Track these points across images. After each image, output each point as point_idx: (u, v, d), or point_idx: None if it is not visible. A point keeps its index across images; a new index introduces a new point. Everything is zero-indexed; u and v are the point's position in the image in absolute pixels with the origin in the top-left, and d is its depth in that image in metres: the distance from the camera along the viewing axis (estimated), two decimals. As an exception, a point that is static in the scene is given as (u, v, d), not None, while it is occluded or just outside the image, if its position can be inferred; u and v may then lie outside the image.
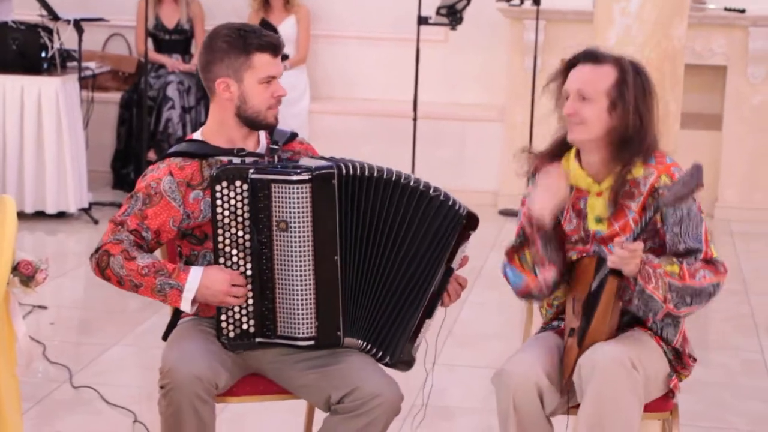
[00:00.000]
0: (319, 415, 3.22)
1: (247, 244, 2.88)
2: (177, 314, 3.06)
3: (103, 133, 7.51)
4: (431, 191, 2.93)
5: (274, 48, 2.98)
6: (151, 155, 7.13)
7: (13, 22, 6.71)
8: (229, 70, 2.96)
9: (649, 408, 3.01)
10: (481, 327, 5.07)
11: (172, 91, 7.35)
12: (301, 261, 2.87)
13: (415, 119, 7.20)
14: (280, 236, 2.87)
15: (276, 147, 3.03)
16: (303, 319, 2.90)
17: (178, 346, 2.94)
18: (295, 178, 2.84)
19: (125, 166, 7.52)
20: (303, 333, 2.90)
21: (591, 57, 3.00)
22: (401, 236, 2.93)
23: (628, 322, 3.02)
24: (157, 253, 3.09)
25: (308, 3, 7.73)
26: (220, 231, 2.87)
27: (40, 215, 6.62)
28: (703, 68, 7.27)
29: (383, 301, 2.95)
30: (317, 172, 2.86)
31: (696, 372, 3.15)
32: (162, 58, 7.53)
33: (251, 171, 2.86)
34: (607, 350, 2.87)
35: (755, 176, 7.26)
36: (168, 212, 2.95)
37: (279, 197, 2.85)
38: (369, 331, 2.96)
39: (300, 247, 2.87)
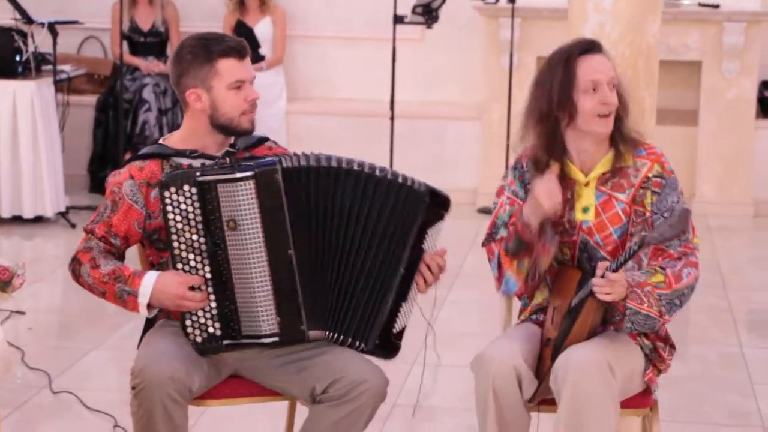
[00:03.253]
0: (300, 417, 3.22)
1: (203, 247, 2.89)
2: (149, 322, 3.06)
3: (80, 137, 7.48)
4: (387, 175, 2.93)
5: (238, 52, 2.98)
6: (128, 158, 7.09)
7: (-13, 26, 6.68)
8: (196, 80, 2.97)
9: (629, 404, 3.02)
10: (461, 326, 5.08)
11: (148, 94, 7.33)
12: (255, 258, 2.88)
13: (392, 118, 7.20)
14: (232, 236, 2.88)
15: (232, 150, 3.02)
16: (264, 316, 2.90)
17: (151, 347, 2.93)
18: (238, 175, 2.86)
19: (102, 170, 7.48)
20: (266, 330, 2.91)
21: (597, 47, 3.01)
22: (357, 223, 2.92)
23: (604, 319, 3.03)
24: (133, 255, 3.09)
25: (284, 3, 7.72)
26: (174, 237, 2.88)
27: (17, 220, 6.58)
28: (678, 64, 7.30)
29: (347, 289, 2.94)
30: (259, 167, 2.87)
31: (674, 366, 3.16)
32: (137, 61, 7.50)
33: (197, 174, 2.86)
34: (582, 352, 2.88)
35: (731, 171, 7.30)
36: (132, 216, 2.97)
37: (226, 197, 2.86)
38: (335, 322, 2.95)
39: (252, 244, 2.88)
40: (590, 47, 3.00)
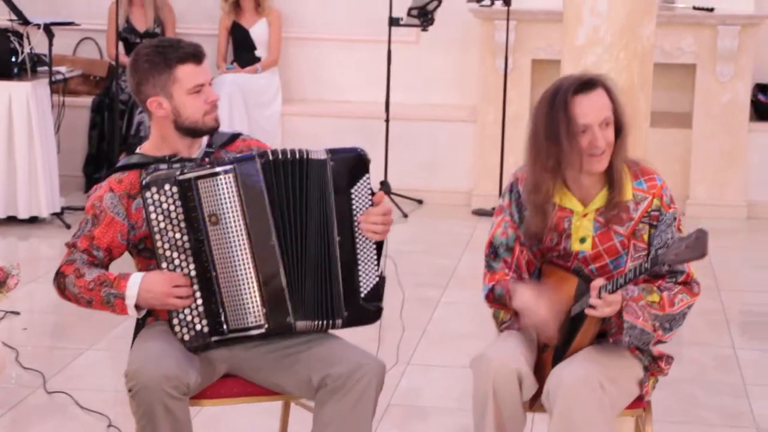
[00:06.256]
0: (294, 416, 3.23)
1: (186, 245, 2.92)
2: (140, 325, 3.07)
3: (75, 138, 7.48)
4: (317, 155, 2.94)
5: (195, 57, 3.02)
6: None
7: (-17, 26, 6.68)
8: (156, 89, 3.02)
9: (622, 406, 3.03)
10: (455, 326, 5.09)
11: (143, 95, 7.33)
12: (238, 251, 2.92)
13: (387, 120, 7.22)
14: (214, 231, 2.91)
15: (210, 150, 3.07)
16: (250, 308, 2.94)
17: (142, 348, 2.95)
18: (218, 169, 2.91)
19: (97, 171, 7.49)
20: (252, 322, 2.94)
21: (588, 85, 2.92)
22: (309, 208, 2.95)
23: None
24: (127, 264, 3.10)
25: (279, 5, 7.73)
26: (157, 237, 2.91)
27: (11, 220, 6.59)
28: (672, 67, 7.32)
29: (316, 273, 2.96)
30: (238, 161, 2.92)
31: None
32: (133, 62, 7.49)
33: (178, 173, 2.91)
34: (573, 370, 2.88)
35: (725, 173, 7.32)
36: (114, 228, 3.00)
37: (206, 192, 2.91)
38: (306, 308, 2.96)
39: (235, 237, 2.92)
40: (586, 86, 2.91)
